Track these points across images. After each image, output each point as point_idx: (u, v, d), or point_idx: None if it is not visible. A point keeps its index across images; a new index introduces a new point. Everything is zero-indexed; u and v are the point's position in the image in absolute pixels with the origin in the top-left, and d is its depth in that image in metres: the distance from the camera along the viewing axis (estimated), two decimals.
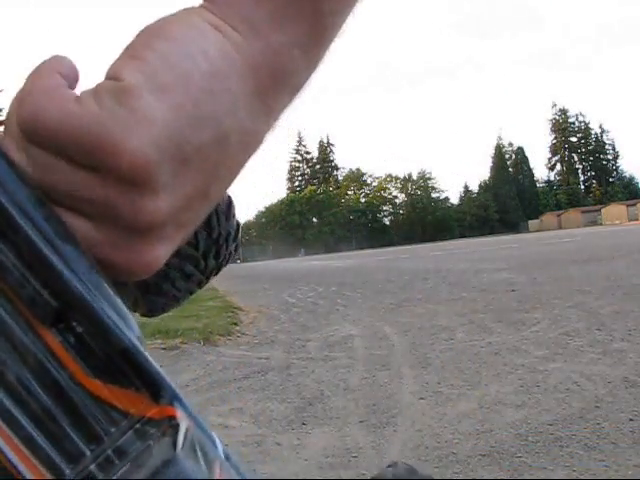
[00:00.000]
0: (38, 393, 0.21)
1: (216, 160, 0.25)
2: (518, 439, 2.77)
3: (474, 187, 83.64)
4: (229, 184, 0.28)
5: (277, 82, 0.27)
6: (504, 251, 19.91)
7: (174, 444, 0.22)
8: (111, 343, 0.22)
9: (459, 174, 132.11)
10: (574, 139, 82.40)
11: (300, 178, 79.96)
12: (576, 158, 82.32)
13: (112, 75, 0.24)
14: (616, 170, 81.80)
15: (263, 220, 71.48)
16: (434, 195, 76.94)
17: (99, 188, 0.24)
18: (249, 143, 0.27)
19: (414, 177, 77.04)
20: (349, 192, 77.14)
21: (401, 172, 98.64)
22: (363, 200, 76.53)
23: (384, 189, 76.95)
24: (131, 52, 0.25)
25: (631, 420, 2.84)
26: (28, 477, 0.20)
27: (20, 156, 0.24)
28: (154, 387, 0.22)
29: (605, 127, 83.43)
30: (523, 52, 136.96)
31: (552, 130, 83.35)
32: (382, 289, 10.08)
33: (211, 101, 0.25)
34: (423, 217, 74.43)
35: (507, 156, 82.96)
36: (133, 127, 0.23)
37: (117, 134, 0.23)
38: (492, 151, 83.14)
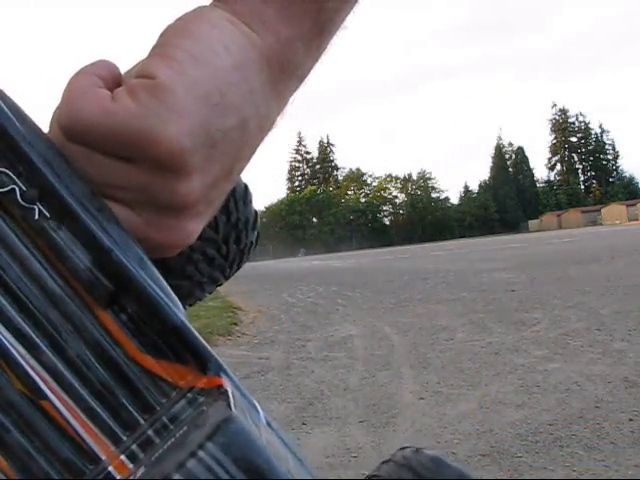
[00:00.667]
0: (96, 369, 0.23)
1: (238, 143, 0.28)
2: (518, 439, 2.77)
3: (474, 187, 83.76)
4: (248, 163, 0.31)
5: (285, 72, 0.30)
6: (504, 251, 19.91)
7: (228, 406, 0.23)
8: (163, 321, 0.24)
9: (459, 174, 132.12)
10: (574, 139, 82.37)
11: (300, 178, 79.95)
12: (576, 158, 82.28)
13: (144, 74, 0.26)
14: (616, 170, 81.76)
15: (263, 220, 71.35)
16: (434, 195, 76.98)
17: (136, 176, 0.26)
18: (264, 126, 0.30)
19: (414, 177, 77.10)
20: (349, 192, 77.14)
21: (401, 172, 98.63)
22: (363, 200, 76.56)
23: (384, 189, 76.96)
24: (160, 51, 0.27)
25: (631, 420, 2.84)
26: (90, 442, 0.22)
27: (88, 165, 0.26)
28: (202, 360, 0.24)
29: (605, 127, 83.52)
30: (523, 52, 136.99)
31: (552, 130, 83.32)
32: (382, 289, 10.08)
33: (234, 91, 0.27)
34: (423, 217, 74.43)
35: (507, 156, 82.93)
36: (168, 119, 0.25)
37: (155, 126, 0.25)
38: (492, 151, 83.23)
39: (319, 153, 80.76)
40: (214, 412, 0.23)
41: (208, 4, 0.29)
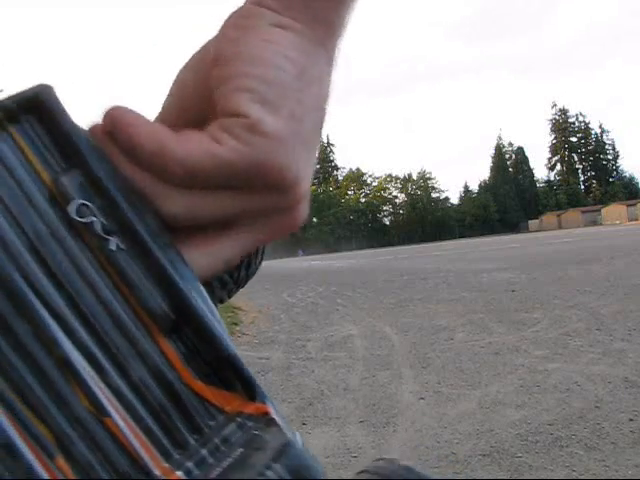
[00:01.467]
0: (154, 391, 0.25)
1: (320, 135, 0.29)
2: (518, 439, 2.77)
3: (474, 187, 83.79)
4: None
5: (335, 54, 0.30)
6: (504, 251, 19.91)
7: (283, 432, 0.26)
8: (217, 352, 0.26)
9: (459, 174, 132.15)
10: (574, 139, 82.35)
11: None
12: (576, 158, 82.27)
13: (232, 112, 0.27)
14: (616, 170, 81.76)
15: None
16: (434, 195, 77.05)
17: (258, 203, 0.28)
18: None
19: (414, 177, 77.14)
20: (349, 192, 77.17)
21: (401, 172, 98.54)
22: (363, 200, 76.60)
23: (384, 189, 77.00)
24: (236, 84, 0.27)
25: (631, 420, 2.84)
26: (145, 458, 0.24)
27: (172, 202, 0.27)
28: (250, 388, 0.26)
29: (605, 127, 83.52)
30: (523, 52, 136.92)
31: (552, 130, 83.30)
32: (382, 289, 10.09)
33: (309, 96, 0.28)
34: (423, 217, 74.48)
35: (507, 156, 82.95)
36: (272, 150, 0.26)
37: (263, 160, 0.26)
38: (492, 151, 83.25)
39: (319, 153, 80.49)
40: (272, 437, 0.25)
41: (246, 9, 0.29)
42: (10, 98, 0.26)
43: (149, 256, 0.26)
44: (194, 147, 0.26)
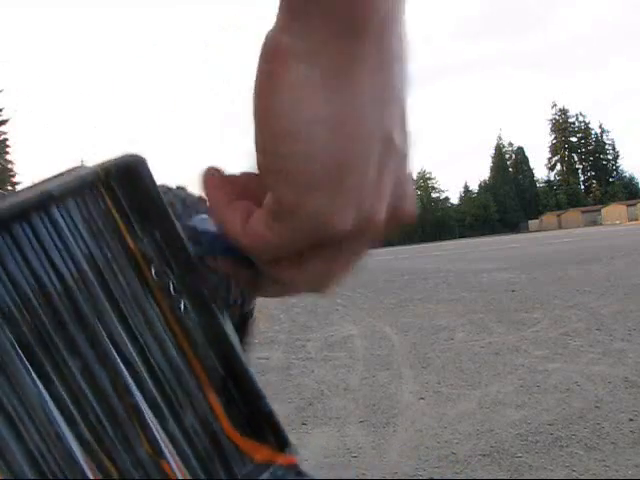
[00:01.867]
0: (202, 438, 0.29)
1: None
2: (518, 439, 2.77)
3: (474, 187, 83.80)
4: None
5: (378, 41, 0.26)
6: (504, 251, 19.91)
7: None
8: (259, 407, 0.30)
9: (459, 174, 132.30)
10: (574, 139, 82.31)
11: None
12: (576, 158, 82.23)
13: (276, 197, 0.26)
14: (616, 170, 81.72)
15: None
16: (434, 195, 77.08)
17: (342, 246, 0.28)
18: None
19: (414, 177, 76.70)
20: None
21: None
22: None
23: None
24: (274, 166, 0.26)
25: (631, 420, 2.84)
26: None
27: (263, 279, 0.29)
28: (282, 441, 0.31)
29: (605, 127, 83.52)
30: (523, 52, 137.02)
31: (552, 130, 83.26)
32: (382, 289, 10.09)
33: (349, 136, 0.25)
34: (423, 217, 74.44)
35: (507, 156, 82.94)
36: (320, 216, 0.26)
37: (313, 231, 0.26)
38: (492, 151, 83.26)
39: None
40: None
41: (273, 44, 0.25)
42: (109, 162, 0.29)
43: (211, 317, 0.30)
44: (254, 232, 0.27)
